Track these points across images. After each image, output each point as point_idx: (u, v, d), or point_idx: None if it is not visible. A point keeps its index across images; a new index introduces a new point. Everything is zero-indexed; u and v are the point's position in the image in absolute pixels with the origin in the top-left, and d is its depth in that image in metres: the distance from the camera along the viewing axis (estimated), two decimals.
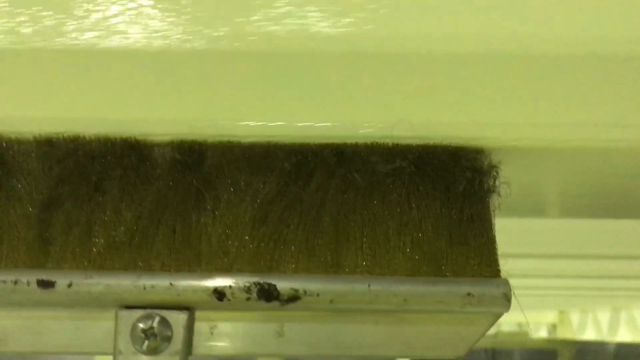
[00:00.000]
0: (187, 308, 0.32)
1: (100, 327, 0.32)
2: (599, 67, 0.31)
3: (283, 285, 0.31)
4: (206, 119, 0.32)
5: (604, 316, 2.44)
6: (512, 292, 0.32)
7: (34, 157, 0.33)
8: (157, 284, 0.31)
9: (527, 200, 0.49)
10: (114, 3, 0.31)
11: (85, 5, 0.31)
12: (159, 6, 0.31)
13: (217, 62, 0.31)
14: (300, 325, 0.33)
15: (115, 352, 0.31)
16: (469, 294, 0.32)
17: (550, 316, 2.92)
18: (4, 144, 0.33)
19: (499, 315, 0.33)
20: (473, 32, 0.31)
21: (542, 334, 3.11)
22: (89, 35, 0.31)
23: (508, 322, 2.64)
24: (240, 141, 0.33)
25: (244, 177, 0.33)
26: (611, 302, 2.12)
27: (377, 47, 0.31)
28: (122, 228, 0.32)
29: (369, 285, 0.31)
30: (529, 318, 2.48)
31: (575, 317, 2.78)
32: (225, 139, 0.33)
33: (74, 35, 0.31)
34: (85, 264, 0.32)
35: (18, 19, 0.31)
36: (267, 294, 0.31)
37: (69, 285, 0.31)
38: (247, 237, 0.32)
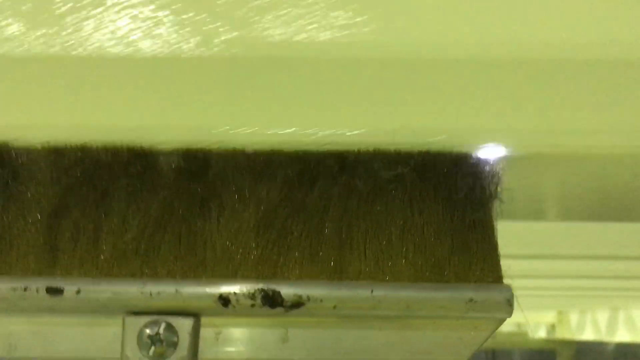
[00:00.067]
0: (193, 314, 0.32)
1: (107, 333, 0.33)
2: (603, 72, 0.31)
3: (287, 291, 0.31)
4: (212, 127, 0.32)
5: (602, 316, 2.44)
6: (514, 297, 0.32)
7: (42, 166, 0.33)
8: (163, 291, 0.31)
9: (527, 204, 0.49)
10: (121, 11, 0.31)
11: (92, 13, 0.31)
12: (167, 14, 0.31)
13: (223, 70, 0.31)
14: (304, 331, 0.33)
15: (123, 358, 0.31)
16: (471, 300, 0.32)
17: (549, 316, 2.92)
18: (14, 153, 0.33)
19: (502, 321, 0.33)
20: (476, 38, 0.31)
21: (541, 334, 3.10)
22: (95, 43, 0.31)
23: (507, 322, 2.62)
24: (244, 149, 0.33)
25: (248, 185, 0.33)
26: (610, 302, 2.12)
27: (378, 53, 0.31)
28: (129, 235, 0.32)
29: (372, 291, 0.32)
30: (528, 318, 2.48)
31: (574, 318, 2.77)
32: (230, 146, 0.33)
33: (79, 43, 0.31)
34: (93, 271, 0.32)
35: (26, 26, 0.31)
36: (272, 300, 0.31)
37: (77, 292, 0.31)
38: (251, 244, 0.32)
